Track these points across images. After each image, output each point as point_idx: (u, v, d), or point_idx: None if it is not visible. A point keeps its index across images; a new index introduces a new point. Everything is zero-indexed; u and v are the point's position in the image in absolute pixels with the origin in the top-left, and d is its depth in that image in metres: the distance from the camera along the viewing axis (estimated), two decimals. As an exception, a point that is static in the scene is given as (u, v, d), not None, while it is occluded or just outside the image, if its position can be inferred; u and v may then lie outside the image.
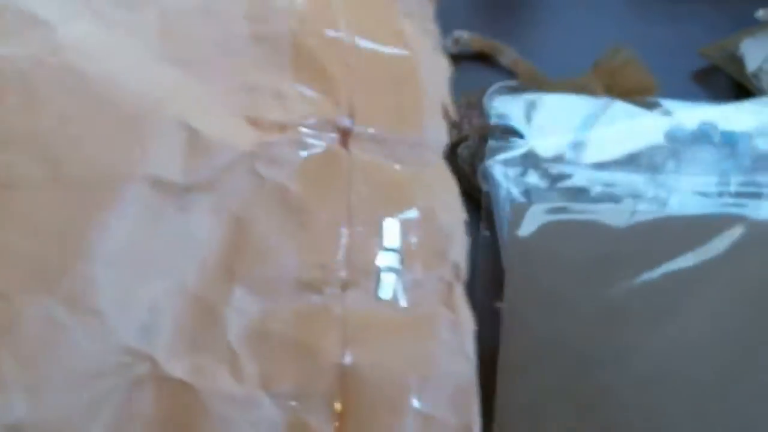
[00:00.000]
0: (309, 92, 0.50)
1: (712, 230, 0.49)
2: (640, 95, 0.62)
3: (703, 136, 0.56)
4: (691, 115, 0.58)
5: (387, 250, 0.47)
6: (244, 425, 0.42)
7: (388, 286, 0.47)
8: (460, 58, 0.67)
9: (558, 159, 0.56)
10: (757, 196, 0.53)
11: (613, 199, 0.53)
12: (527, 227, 0.52)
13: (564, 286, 0.50)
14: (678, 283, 0.48)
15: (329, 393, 0.43)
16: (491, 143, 0.57)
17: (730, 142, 0.56)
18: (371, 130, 0.50)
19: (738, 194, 0.53)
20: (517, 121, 0.59)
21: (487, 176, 0.56)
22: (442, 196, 0.51)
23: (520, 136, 0.58)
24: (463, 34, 0.69)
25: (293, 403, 0.43)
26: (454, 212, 0.51)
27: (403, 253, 0.48)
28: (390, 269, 0.47)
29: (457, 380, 0.46)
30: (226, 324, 0.44)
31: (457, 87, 0.62)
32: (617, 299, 0.49)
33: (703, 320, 0.48)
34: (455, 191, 0.52)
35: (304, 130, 0.48)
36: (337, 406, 0.43)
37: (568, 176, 0.55)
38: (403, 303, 0.47)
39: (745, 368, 0.46)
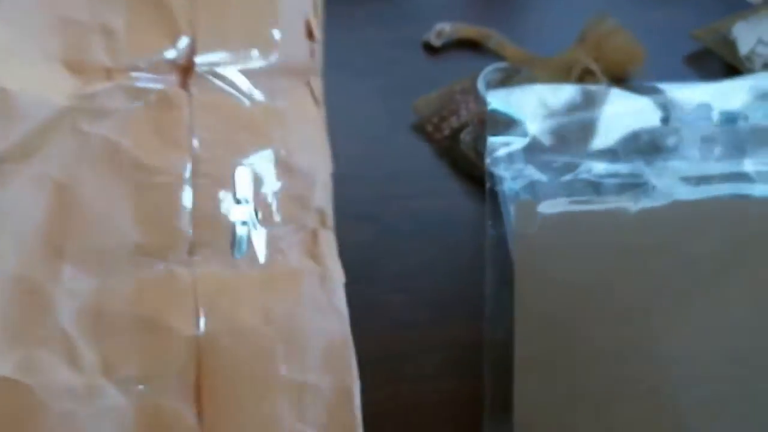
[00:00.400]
0: (142, 25, 0.43)
1: (719, 213, 0.49)
2: (629, 62, 0.62)
3: (700, 115, 0.55)
4: (688, 96, 0.57)
5: (240, 201, 0.42)
6: (88, 418, 0.38)
7: (243, 242, 0.42)
8: (446, 48, 0.67)
9: (560, 150, 0.54)
10: (760, 174, 0.52)
11: (618, 189, 0.52)
12: (533, 224, 0.50)
13: (575, 280, 0.49)
14: (692, 270, 0.48)
15: (184, 371, 0.39)
16: (491, 140, 0.54)
17: (728, 119, 0.55)
18: (216, 64, 0.44)
19: (741, 174, 0.51)
20: (514, 112, 0.57)
21: (490, 173, 0.53)
22: (301, 133, 0.46)
23: (521, 127, 0.55)
24: (446, 26, 0.67)
25: (142, 388, 0.39)
26: (315, 150, 0.46)
27: (258, 202, 0.43)
28: (244, 223, 0.42)
29: (329, 339, 0.42)
30: (57, 308, 0.39)
31: (448, 76, 0.64)
32: (631, 291, 0.48)
33: (719, 307, 0.48)
34: (318, 124, 0.47)
35: (135, 74, 0.42)
36: (195, 384, 0.39)
37: (570, 169, 0.53)
38: (261, 259, 0.42)
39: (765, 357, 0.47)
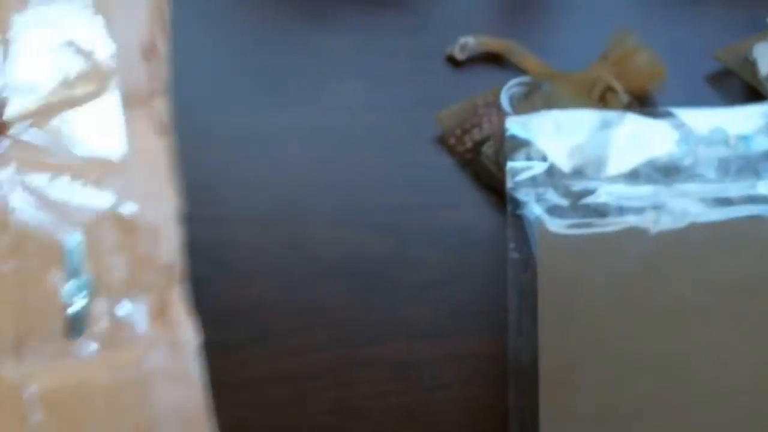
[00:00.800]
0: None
1: (736, 234, 0.51)
2: (651, 81, 0.64)
3: (716, 139, 0.57)
4: (702, 121, 0.58)
5: (73, 275, 0.38)
6: None
7: (80, 322, 0.37)
8: (470, 61, 0.68)
9: (578, 174, 0.56)
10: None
11: (636, 211, 0.53)
12: (556, 247, 0.52)
13: (598, 301, 0.51)
14: (713, 289, 0.50)
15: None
16: (511, 165, 0.56)
17: (743, 141, 0.57)
18: (29, 116, 0.39)
19: (757, 196, 0.53)
20: (532, 137, 0.58)
21: (512, 198, 0.55)
22: (144, 177, 0.40)
23: (540, 152, 0.57)
24: (469, 39, 0.67)
25: None
26: (160, 195, 0.41)
27: (96, 272, 0.38)
28: (80, 299, 0.38)
29: (184, 413, 0.38)
30: None
31: (470, 89, 0.65)
32: (653, 309, 0.50)
33: (742, 324, 0.50)
34: (162, 160, 0.42)
35: None
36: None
37: (589, 192, 0.55)
38: (102, 338, 0.38)
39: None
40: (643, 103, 0.64)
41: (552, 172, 0.56)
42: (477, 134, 0.62)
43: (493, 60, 0.68)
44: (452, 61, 0.68)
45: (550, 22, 0.72)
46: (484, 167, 0.61)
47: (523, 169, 0.56)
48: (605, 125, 0.57)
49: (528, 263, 0.53)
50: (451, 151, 0.63)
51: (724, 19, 0.72)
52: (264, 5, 0.71)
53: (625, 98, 0.63)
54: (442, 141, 0.63)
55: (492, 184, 0.61)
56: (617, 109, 0.62)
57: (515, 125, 0.57)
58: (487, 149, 0.61)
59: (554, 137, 0.57)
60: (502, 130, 0.60)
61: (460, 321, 0.56)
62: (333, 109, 0.64)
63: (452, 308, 0.56)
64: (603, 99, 0.63)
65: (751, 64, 0.65)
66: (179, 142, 0.60)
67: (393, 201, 0.60)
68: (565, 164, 0.56)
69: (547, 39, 0.71)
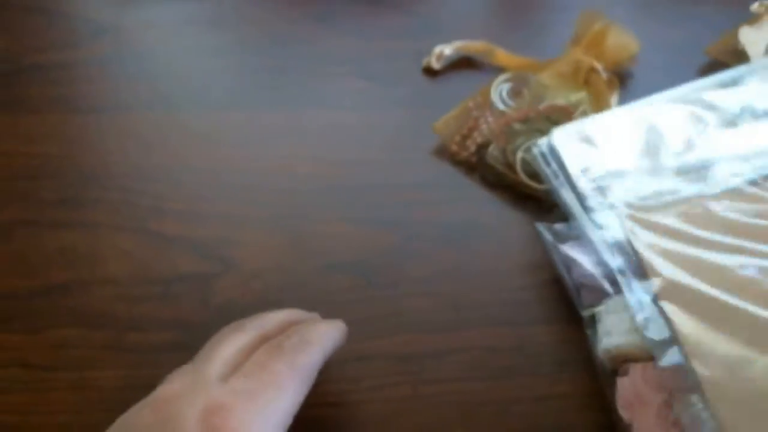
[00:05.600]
0: None
1: None
2: (627, 56, 0.65)
3: (747, 115, 0.56)
4: (731, 99, 0.57)
5: None
6: None
7: None
8: (448, 67, 0.69)
9: (653, 173, 0.54)
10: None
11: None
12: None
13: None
14: None
15: None
16: (583, 188, 0.54)
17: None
18: None
19: None
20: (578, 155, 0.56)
21: (593, 222, 0.53)
22: None
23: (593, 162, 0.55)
24: (445, 48, 0.69)
25: None
26: None
27: None
28: None
29: None
30: None
31: (454, 96, 0.66)
32: None
33: None
34: None
35: None
36: None
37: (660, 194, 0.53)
38: None
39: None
40: (621, 77, 0.65)
41: (628, 179, 0.55)
42: (478, 137, 0.63)
43: (469, 65, 0.70)
44: (429, 72, 0.69)
45: (544, 22, 0.73)
46: (492, 168, 0.61)
47: (594, 192, 0.54)
48: (645, 119, 0.57)
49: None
50: (454, 157, 0.63)
51: (712, 15, 0.72)
52: (265, 6, 0.72)
53: (605, 76, 0.64)
54: (443, 150, 0.64)
55: (502, 181, 0.61)
56: (600, 88, 0.63)
57: (560, 136, 0.57)
58: (493, 151, 0.61)
59: (602, 148, 0.56)
60: (500, 129, 0.61)
61: (462, 314, 0.56)
62: (337, 109, 0.66)
63: (454, 302, 0.56)
64: (587, 81, 0.64)
65: (742, 54, 0.65)
66: (186, 140, 0.63)
67: (396, 198, 0.61)
68: (627, 168, 0.55)
69: (541, 38, 0.72)
